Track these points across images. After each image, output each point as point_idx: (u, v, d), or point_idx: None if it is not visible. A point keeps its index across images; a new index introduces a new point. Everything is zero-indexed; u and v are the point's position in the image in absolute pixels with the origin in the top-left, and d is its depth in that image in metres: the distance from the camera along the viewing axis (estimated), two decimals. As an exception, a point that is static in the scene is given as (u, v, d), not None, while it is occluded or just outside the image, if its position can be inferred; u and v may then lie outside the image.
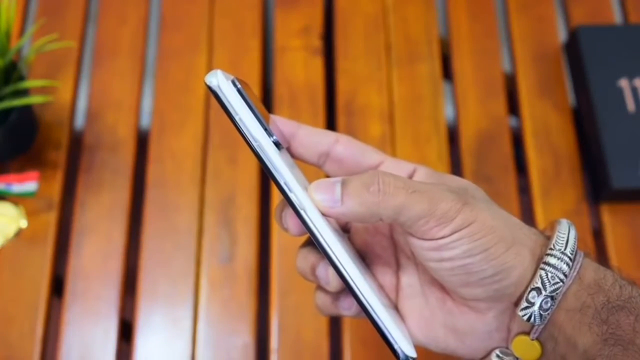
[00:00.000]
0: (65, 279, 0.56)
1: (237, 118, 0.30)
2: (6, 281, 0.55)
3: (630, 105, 0.61)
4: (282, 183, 0.31)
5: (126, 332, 0.56)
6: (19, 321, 0.54)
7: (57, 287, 0.58)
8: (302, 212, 0.31)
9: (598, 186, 0.60)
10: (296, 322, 0.55)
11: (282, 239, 0.57)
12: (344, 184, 0.31)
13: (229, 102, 0.30)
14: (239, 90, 0.30)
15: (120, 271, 0.56)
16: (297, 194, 0.31)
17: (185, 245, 0.57)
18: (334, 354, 0.55)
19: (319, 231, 0.31)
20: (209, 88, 0.30)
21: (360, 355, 0.54)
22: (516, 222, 0.33)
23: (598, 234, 0.60)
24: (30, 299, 0.55)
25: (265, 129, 0.31)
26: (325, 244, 0.31)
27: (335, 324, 0.56)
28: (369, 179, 0.30)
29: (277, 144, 0.31)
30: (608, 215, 0.59)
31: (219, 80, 0.30)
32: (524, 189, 0.61)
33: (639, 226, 0.59)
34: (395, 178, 0.31)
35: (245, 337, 0.54)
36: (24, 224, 0.57)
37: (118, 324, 0.54)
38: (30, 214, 0.57)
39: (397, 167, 0.36)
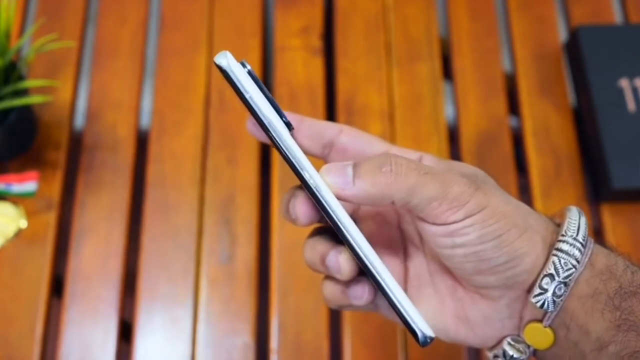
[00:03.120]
0: (65, 279, 0.56)
1: (247, 96, 0.30)
2: (6, 281, 0.55)
3: (631, 105, 0.61)
4: (294, 161, 0.31)
5: (126, 332, 0.56)
6: (19, 321, 0.54)
7: (57, 287, 0.58)
8: (315, 190, 0.30)
9: (598, 186, 0.60)
10: (296, 322, 0.54)
11: (282, 239, 0.57)
12: (355, 166, 0.31)
13: (239, 80, 0.30)
14: (249, 72, 0.30)
15: (120, 271, 0.56)
16: (310, 172, 0.31)
17: (185, 245, 0.57)
18: (334, 354, 0.55)
19: (333, 209, 0.30)
20: (219, 68, 0.30)
21: (360, 355, 0.54)
22: (526, 208, 0.33)
23: (598, 234, 0.60)
24: (30, 299, 0.55)
25: (276, 109, 0.31)
26: (340, 222, 0.31)
27: (335, 324, 0.56)
28: (381, 160, 0.30)
29: (288, 125, 0.31)
30: (608, 215, 0.59)
31: (229, 61, 0.30)
32: (524, 189, 0.61)
33: (639, 226, 0.59)
34: (407, 160, 0.30)
35: (245, 337, 0.54)
36: (23, 224, 0.57)
37: (118, 324, 0.54)
38: (30, 214, 0.57)
39: (403, 155, 0.35)
